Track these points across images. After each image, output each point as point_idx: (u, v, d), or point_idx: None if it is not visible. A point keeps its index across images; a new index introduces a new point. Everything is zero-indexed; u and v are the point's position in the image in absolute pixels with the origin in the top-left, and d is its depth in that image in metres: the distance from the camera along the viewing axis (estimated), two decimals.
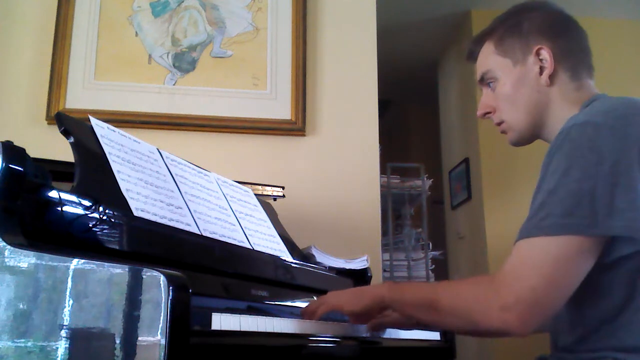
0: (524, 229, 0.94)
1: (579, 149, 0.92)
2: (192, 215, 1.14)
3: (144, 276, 0.72)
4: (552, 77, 1.10)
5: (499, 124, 1.17)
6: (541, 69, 1.10)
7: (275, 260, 1.26)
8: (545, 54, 1.09)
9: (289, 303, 1.18)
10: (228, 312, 0.85)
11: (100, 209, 0.88)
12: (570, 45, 1.12)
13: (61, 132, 1.02)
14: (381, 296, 1.07)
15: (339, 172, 2.09)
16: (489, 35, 1.18)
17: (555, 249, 0.89)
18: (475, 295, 0.96)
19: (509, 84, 1.13)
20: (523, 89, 1.11)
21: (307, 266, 1.38)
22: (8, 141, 0.85)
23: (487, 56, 1.17)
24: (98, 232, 0.88)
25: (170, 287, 0.69)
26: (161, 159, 1.20)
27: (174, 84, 2.07)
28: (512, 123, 1.14)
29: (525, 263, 0.91)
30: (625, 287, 0.93)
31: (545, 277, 0.89)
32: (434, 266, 3.17)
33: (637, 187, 0.90)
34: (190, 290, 0.71)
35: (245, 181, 1.54)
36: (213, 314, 0.81)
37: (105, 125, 1.11)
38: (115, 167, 1.04)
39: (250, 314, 0.92)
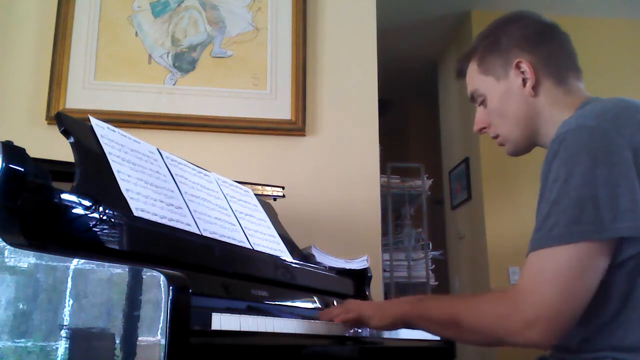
0: (533, 242, 0.94)
1: (575, 154, 0.93)
2: (192, 215, 1.14)
3: (144, 276, 0.72)
4: (535, 88, 1.11)
5: (495, 137, 1.20)
6: (524, 81, 1.11)
7: (275, 260, 1.26)
8: (525, 66, 1.11)
9: (289, 303, 1.18)
10: (228, 312, 0.85)
11: (100, 209, 0.88)
12: (551, 52, 1.13)
13: (61, 132, 1.02)
14: (404, 313, 1.09)
15: (339, 172, 2.09)
16: (472, 54, 1.20)
17: (566, 258, 0.90)
18: (496, 313, 0.97)
19: (496, 100, 1.15)
20: (510, 102, 1.13)
21: (307, 266, 1.37)
22: (8, 141, 0.85)
23: (472, 76, 1.20)
24: (98, 232, 0.88)
25: (170, 287, 0.69)
26: (161, 159, 1.20)
27: (174, 84, 2.07)
28: (506, 136, 1.17)
29: (539, 276, 0.92)
30: (624, 286, 0.94)
31: (560, 288, 0.89)
32: (434, 266, 3.17)
33: (637, 187, 0.90)
34: (190, 290, 0.71)
35: (245, 181, 1.54)
36: (213, 314, 0.81)
37: (105, 125, 1.11)
38: (115, 167, 1.04)
39: (250, 314, 0.92)
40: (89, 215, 0.88)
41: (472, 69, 1.20)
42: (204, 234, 1.12)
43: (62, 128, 1.02)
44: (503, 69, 1.14)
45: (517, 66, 1.11)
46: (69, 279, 0.74)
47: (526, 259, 0.94)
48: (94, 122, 1.08)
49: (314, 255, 1.54)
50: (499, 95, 1.14)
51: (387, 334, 1.27)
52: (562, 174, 0.93)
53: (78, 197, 0.88)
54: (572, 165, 0.92)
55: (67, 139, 1.02)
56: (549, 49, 1.13)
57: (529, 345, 0.93)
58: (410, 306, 1.10)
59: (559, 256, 0.90)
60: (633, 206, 0.89)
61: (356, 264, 1.57)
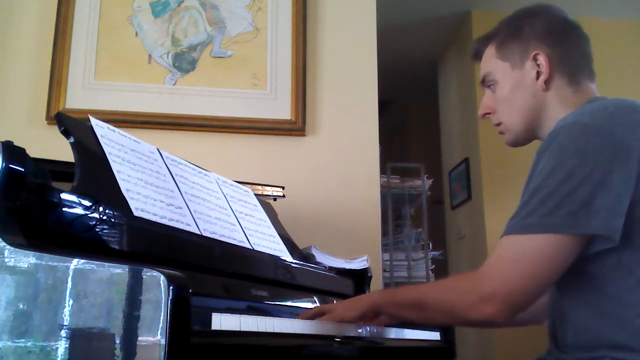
0: (507, 227, 0.97)
1: (564, 150, 0.95)
2: (192, 215, 1.14)
3: (144, 276, 0.72)
4: (548, 82, 1.12)
5: (497, 124, 1.21)
6: (538, 74, 1.12)
7: (275, 260, 1.26)
8: (542, 59, 1.12)
9: (289, 303, 1.18)
10: (228, 312, 0.85)
11: (100, 209, 0.88)
12: (569, 51, 1.14)
13: (61, 132, 1.02)
14: (374, 302, 1.12)
15: (339, 172, 2.09)
16: (492, 37, 1.21)
17: (533, 246, 0.93)
18: (457, 288, 1.02)
19: (507, 87, 1.16)
20: (520, 92, 1.14)
21: (307, 266, 1.37)
22: (8, 141, 0.85)
23: (489, 59, 1.20)
24: (98, 232, 0.88)
25: (170, 287, 0.69)
26: (161, 159, 1.20)
27: (174, 84, 2.07)
28: (508, 125, 1.18)
29: (505, 258, 0.96)
30: (613, 285, 0.95)
31: (522, 269, 0.93)
32: (434, 266, 3.17)
33: (619, 188, 0.92)
34: (190, 290, 0.71)
35: (245, 181, 1.54)
36: (213, 314, 0.81)
37: (105, 125, 1.11)
38: (115, 167, 1.04)
39: (250, 314, 0.92)
40: (89, 215, 0.88)
41: (490, 52, 1.20)
42: (204, 234, 1.12)
43: (62, 128, 1.02)
44: (520, 57, 1.14)
45: (534, 58, 1.12)
46: (69, 279, 0.74)
47: (499, 241, 0.98)
48: (94, 122, 1.08)
49: (314, 255, 1.54)
50: (510, 83, 1.15)
51: (387, 334, 1.27)
52: (548, 166, 0.95)
53: (78, 197, 0.88)
54: (559, 160, 0.94)
55: (67, 139, 1.02)
56: (568, 47, 1.14)
57: (483, 321, 0.96)
58: (379, 295, 1.16)
59: (528, 243, 0.93)
60: (610, 205, 0.91)
61: (356, 264, 1.57)
